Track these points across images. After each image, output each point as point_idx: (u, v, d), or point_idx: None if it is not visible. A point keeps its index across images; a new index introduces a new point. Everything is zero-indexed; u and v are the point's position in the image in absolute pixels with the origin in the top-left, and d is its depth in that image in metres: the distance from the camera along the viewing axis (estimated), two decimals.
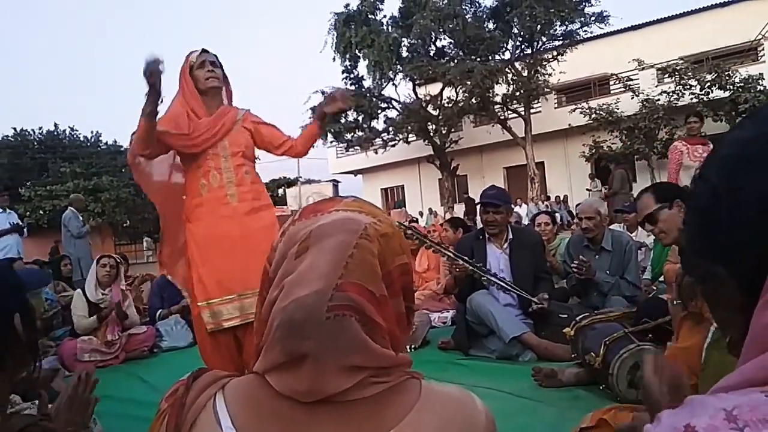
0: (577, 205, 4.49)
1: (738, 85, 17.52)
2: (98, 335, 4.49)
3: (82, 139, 33.74)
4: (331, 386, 0.70)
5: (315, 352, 0.70)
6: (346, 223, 0.77)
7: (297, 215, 0.83)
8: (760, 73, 17.49)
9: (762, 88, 17.22)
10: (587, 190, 19.43)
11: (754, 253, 0.50)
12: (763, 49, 19.15)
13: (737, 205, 0.52)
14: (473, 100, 20.56)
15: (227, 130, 2.83)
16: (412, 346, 4.11)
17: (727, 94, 17.65)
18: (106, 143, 34.05)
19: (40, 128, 32.85)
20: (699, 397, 0.49)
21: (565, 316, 3.68)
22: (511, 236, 4.06)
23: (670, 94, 18.80)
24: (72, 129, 33.84)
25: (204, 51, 2.83)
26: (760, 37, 19.22)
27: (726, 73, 17.64)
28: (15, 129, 31.92)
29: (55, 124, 33.58)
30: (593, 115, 20.09)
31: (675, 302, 2.13)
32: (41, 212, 23.16)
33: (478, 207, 4.16)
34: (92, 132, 34.68)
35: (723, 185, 0.54)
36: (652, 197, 2.80)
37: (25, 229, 8.02)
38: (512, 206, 4.25)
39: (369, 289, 0.73)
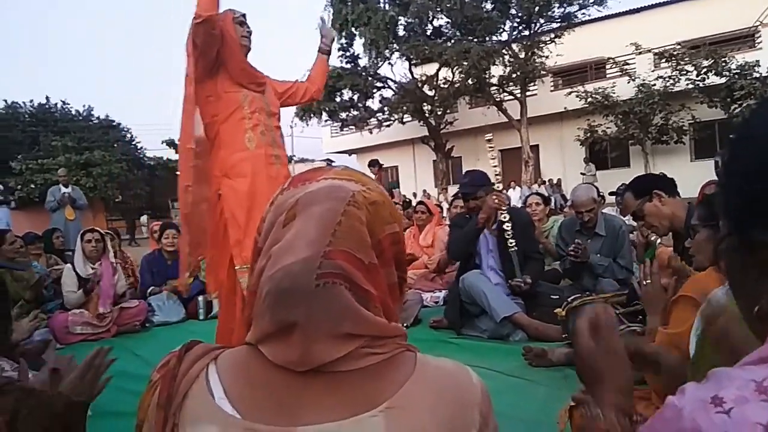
0: (573, 190, 4.48)
1: (734, 71, 17.48)
2: (90, 308, 4.49)
3: (73, 113, 33.35)
4: (323, 354, 0.69)
5: (304, 320, 0.69)
6: (334, 190, 0.76)
7: (286, 184, 0.82)
8: (756, 60, 17.45)
9: (758, 75, 17.19)
10: (581, 174, 19.45)
11: None
12: (760, 36, 19.07)
13: None
14: (469, 81, 20.44)
15: (264, 84, 2.74)
16: (404, 324, 4.13)
17: (723, 80, 17.62)
18: (98, 118, 33.66)
19: (32, 101, 32.47)
20: (723, 370, 0.48)
21: (557, 297, 3.72)
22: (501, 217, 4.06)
23: (667, 79, 18.76)
24: (64, 103, 33.44)
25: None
26: (757, 23, 19.12)
27: (723, 59, 17.59)
28: (6, 102, 31.53)
29: (47, 98, 33.18)
30: (589, 99, 20.04)
31: (645, 282, 2.12)
32: (32, 186, 22.97)
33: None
34: (84, 106, 34.15)
35: None
36: (632, 195, 2.85)
37: (12, 202, 8.02)
38: (492, 185, 4.17)
39: (358, 257, 0.72)
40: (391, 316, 0.77)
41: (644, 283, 2.09)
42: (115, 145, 31.22)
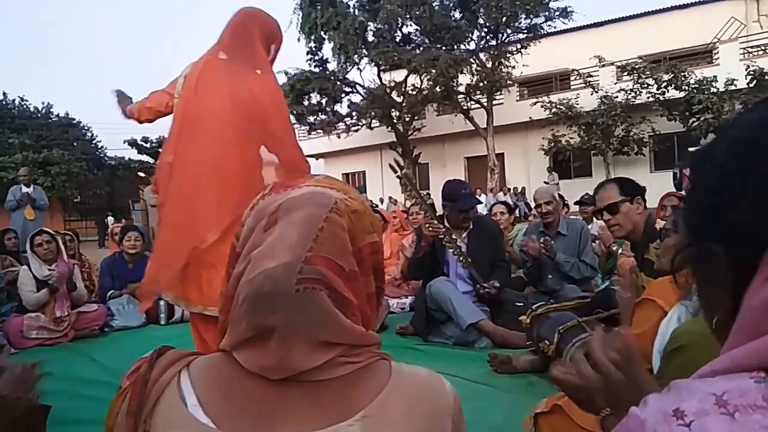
0: (535, 191, 4.64)
1: (693, 86, 18.02)
2: (47, 312, 4.34)
3: (32, 109, 32.45)
4: (300, 362, 0.69)
5: (283, 325, 0.68)
6: (317, 197, 0.76)
7: (267, 190, 0.81)
8: (714, 76, 18.02)
9: (715, 90, 17.76)
10: (545, 182, 19.78)
11: (753, 235, 0.51)
12: (717, 52, 19.75)
13: (744, 186, 0.52)
14: (437, 89, 20.62)
15: None
16: None
17: (682, 94, 18.15)
18: (57, 115, 32.82)
19: None
20: (685, 382, 0.49)
21: (521, 304, 3.76)
22: (471, 226, 4.11)
23: (628, 92, 19.28)
24: (22, 99, 32.53)
25: None
26: (715, 40, 19.82)
27: (682, 74, 18.13)
28: None
29: (4, 94, 32.20)
30: (553, 110, 20.44)
31: (625, 295, 2.17)
32: None
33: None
34: (43, 103, 33.36)
35: (732, 166, 0.54)
36: (617, 189, 2.88)
37: None
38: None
39: (339, 264, 0.72)
40: (368, 325, 0.77)
41: (625, 295, 2.14)
42: (75, 144, 30.49)
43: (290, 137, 2.54)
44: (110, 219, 21.71)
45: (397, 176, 4.02)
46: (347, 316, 0.72)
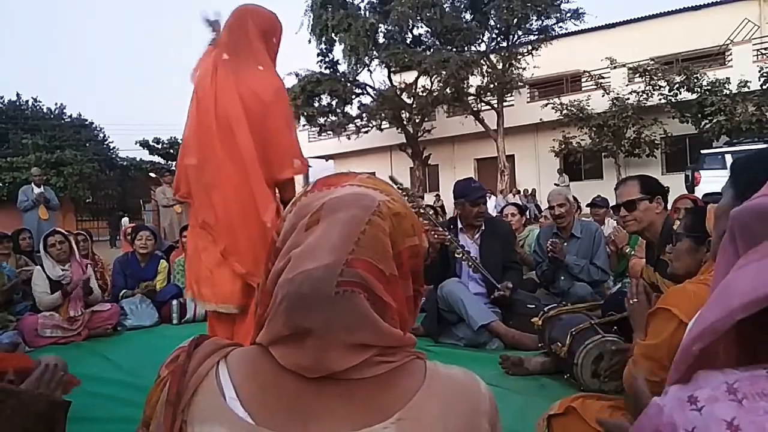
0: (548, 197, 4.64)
1: (705, 88, 17.89)
2: (61, 311, 4.39)
3: (45, 110, 32.77)
4: (336, 363, 0.69)
5: (320, 327, 0.69)
6: (360, 198, 0.75)
7: (310, 187, 0.81)
8: (726, 77, 17.89)
9: (728, 91, 17.63)
10: (555, 184, 19.72)
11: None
12: (730, 54, 19.62)
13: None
14: (447, 90, 20.62)
15: None
16: None
17: (694, 96, 18.03)
18: (70, 116, 33.15)
19: (2, 98, 31.83)
20: (706, 372, 0.53)
21: (533, 306, 3.75)
22: (483, 227, 4.11)
23: (640, 93, 19.17)
24: (35, 100, 32.90)
25: None
26: (728, 42, 19.68)
27: (694, 75, 18.00)
28: None
29: (18, 95, 32.63)
30: (564, 111, 20.36)
31: (633, 301, 2.15)
32: (1, 184, 22.50)
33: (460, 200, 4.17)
34: (56, 104, 33.62)
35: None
36: (638, 186, 2.89)
37: None
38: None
39: (379, 268, 0.71)
40: (405, 328, 0.77)
41: (632, 301, 2.12)
42: (87, 145, 30.75)
43: (285, 133, 2.52)
44: (125, 220, 21.81)
45: (399, 188, 4.06)
46: (386, 319, 0.72)
